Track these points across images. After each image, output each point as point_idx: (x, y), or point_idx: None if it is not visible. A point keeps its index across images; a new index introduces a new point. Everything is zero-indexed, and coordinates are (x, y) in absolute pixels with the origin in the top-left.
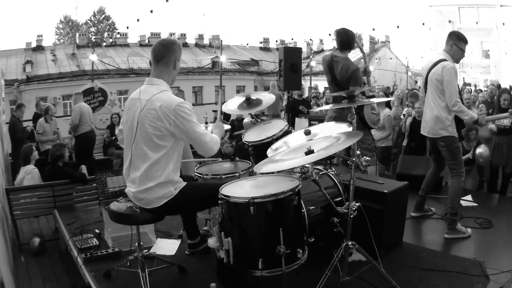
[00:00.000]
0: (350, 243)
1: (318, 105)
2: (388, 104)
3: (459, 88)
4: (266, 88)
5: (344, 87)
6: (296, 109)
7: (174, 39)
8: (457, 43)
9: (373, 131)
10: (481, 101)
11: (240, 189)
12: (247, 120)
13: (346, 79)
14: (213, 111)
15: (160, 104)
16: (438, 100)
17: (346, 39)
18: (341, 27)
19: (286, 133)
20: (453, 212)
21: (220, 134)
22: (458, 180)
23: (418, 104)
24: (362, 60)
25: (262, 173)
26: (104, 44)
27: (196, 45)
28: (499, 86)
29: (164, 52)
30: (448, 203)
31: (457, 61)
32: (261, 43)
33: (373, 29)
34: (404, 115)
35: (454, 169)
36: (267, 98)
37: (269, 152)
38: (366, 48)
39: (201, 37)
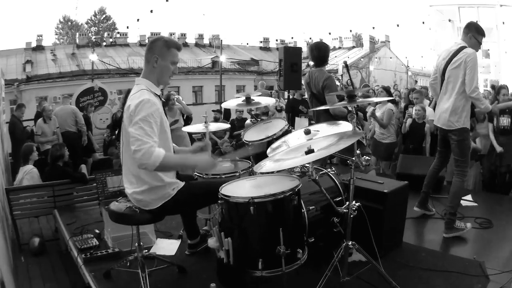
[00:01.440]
0: (350, 243)
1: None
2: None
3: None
4: (268, 88)
5: (322, 100)
6: (296, 109)
7: (160, 37)
8: (476, 35)
9: (376, 128)
10: None
11: (240, 189)
12: (249, 121)
13: (320, 89)
14: (213, 110)
15: (130, 103)
16: (457, 89)
17: (318, 55)
18: (314, 42)
19: (286, 132)
20: (452, 212)
21: (189, 160)
22: (461, 179)
23: (418, 107)
24: (362, 59)
25: (262, 173)
26: (104, 44)
27: (196, 45)
28: (493, 86)
29: (146, 51)
30: (448, 202)
31: None
32: (261, 42)
33: (373, 28)
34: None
35: (459, 166)
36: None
37: (269, 151)
38: (366, 47)
39: (201, 37)
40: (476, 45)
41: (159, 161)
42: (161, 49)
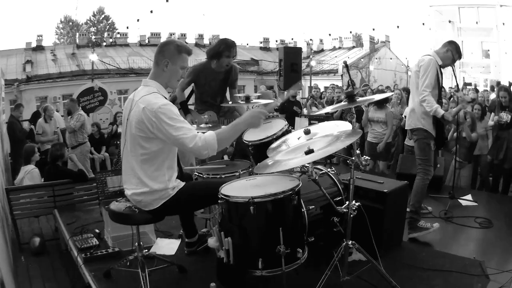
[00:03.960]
0: (350, 242)
1: (316, 105)
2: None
3: (439, 84)
4: (268, 88)
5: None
6: (290, 110)
7: (171, 40)
8: (453, 52)
9: (377, 128)
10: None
11: (240, 189)
12: None
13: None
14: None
15: (144, 106)
16: (415, 92)
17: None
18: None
19: (286, 132)
20: (413, 210)
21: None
22: (422, 177)
23: None
24: (362, 59)
25: (262, 173)
26: (104, 44)
27: (196, 45)
28: (498, 83)
29: (157, 53)
30: (409, 201)
31: (443, 66)
32: (261, 43)
33: (373, 29)
34: (405, 116)
35: (421, 165)
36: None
37: (269, 151)
38: (366, 47)
39: (201, 37)
40: (449, 59)
41: (215, 142)
42: (172, 54)
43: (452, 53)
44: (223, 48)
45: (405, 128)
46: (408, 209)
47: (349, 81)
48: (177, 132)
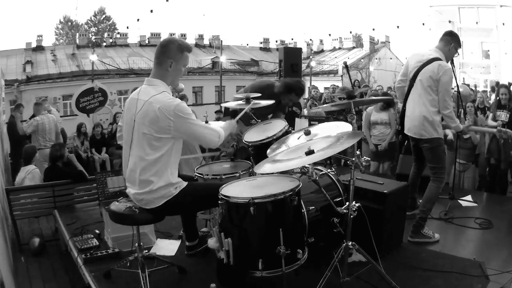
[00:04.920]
0: (350, 243)
1: (316, 106)
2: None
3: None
4: None
5: None
6: (291, 111)
7: (174, 39)
8: (456, 46)
9: (381, 129)
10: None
11: (240, 189)
12: None
13: None
14: (215, 112)
15: (159, 106)
16: (430, 99)
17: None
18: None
19: (286, 133)
20: (423, 216)
21: (227, 129)
22: (437, 185)
23: None
24: (362, 59)
25: (262, 173)
26: (104, 44)
27: (196, 45)
28: (497, 83)
29: (159, 53)
30: (420, 206)
31: (446, 61)
32: (261, 43)
33: (373, 29)
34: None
35: (435, 173)
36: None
37: (269, 152)
38: (366, 48)
39: (201, 37)
40: (453, 55)
41: (223, 136)
42: (175, 54)
43: (455, 48)
44: (292, 89)
45: (417, 138)
46: (415, 213)
47: (353, 81)
48: (197, 126)
